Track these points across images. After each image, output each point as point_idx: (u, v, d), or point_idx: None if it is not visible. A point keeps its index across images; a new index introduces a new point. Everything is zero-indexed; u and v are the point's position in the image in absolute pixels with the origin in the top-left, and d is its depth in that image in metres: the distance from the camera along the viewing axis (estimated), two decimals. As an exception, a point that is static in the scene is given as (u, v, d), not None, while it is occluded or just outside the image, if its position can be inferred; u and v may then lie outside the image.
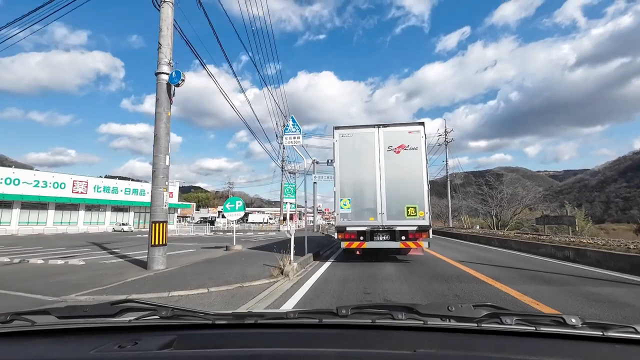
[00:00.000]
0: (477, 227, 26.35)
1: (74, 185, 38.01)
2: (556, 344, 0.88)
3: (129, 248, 13.70)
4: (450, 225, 33.55)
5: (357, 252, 8.13)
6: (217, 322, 1.04)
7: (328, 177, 30.95)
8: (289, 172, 31.56)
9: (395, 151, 8.01)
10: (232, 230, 13.03)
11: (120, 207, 42.87)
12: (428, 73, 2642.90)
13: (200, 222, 60.53)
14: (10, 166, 37.46)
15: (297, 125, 8.71)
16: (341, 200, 8.08)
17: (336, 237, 8.38)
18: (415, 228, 7.65)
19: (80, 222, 38.85)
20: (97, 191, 40.32)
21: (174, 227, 43.28)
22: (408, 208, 7.75)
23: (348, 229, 7.94)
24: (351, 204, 8.02)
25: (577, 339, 0.89)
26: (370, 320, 1.00)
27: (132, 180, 48.69)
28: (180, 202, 53.63)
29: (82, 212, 39.10)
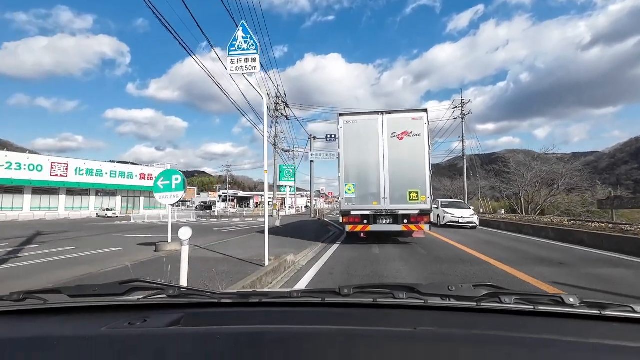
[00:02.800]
0: (503, 212, 22.64)
1: (52, 168, 34.77)
2: (554, 322, 0.88)
3: (57, 243, 10.29)
4: (466, 210, 29.86)
5: (362, 235, 8.23)
6: (223, 301, 1.05)
7: (327, 155, 27.17)
8: (284, 151, 27.82)
9: (398, 137, 8.04)
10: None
11: (105, 191, 39.75)
12: (438, 54, 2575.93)
13: (198, 207, 57.54)
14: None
15: (250, 37, 4.94)
16: (346, 185, 8.13)
17: (341, 220, 8.42)
18: (417, 212, 7.76)
19: (62, 208, 35.89)
20: (79, 174, 37.10)
21: (164, 212, 40.09)
22: (410, 193, 7.84)
23: (352, 213, 8.01)
24: (355, 189, 8.08)
25: (575, 318, 0.89)
26: (372, 300, 1.00)
27: (122, 163, 45.26)
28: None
29: (62, 197, 36.06)
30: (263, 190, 6.23)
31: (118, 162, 44.17)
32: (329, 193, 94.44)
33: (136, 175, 42.63)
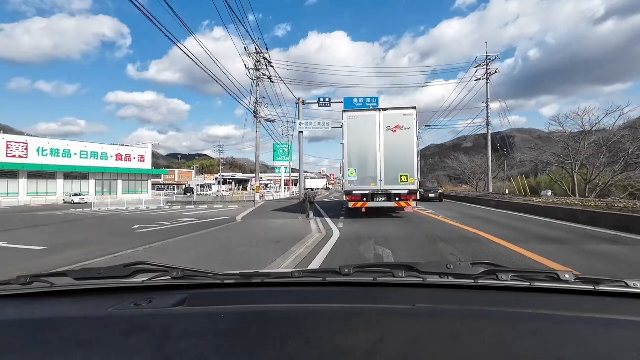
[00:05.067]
0: (550, 194, 17.76)
1: (8, 148, 30.16)
2: (549, 298, 0.90)
3: None
4: (490, 191, 24.82)
5: (363, 210, 10.08)
6: (226, 281, 1.07)
7: (319, 124, 22.11)
8: (267, 121, 22.79)
9: (392, 130, 9.85)
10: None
11: (76, 174, 35.24)
12: (445, 31, 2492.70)
13: (184, 191, 53.16)
14: None
15: None
16: (349, 170, 10.04)
17: (344, 198, 10.34)
18: (406, 191, 9.76)
19: (23, 193, 31.51)
20: (43, 155, 32.53)
21: (144, 196, 35.63)
22: (401, 176, 9.79)
23: (354, 192, 10.00)
24: (357, 173, 9.98)
25: (570, 293, 0.90)
26: (372, 278, 1.02)
27: (103, 144, 40.50)
28: (155, 168, 45.82)
29: (23, 181, 31.58)
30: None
31: (110, 144, 39.44)
32: (330, 175, 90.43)
33: (112, 156, 38.06)
